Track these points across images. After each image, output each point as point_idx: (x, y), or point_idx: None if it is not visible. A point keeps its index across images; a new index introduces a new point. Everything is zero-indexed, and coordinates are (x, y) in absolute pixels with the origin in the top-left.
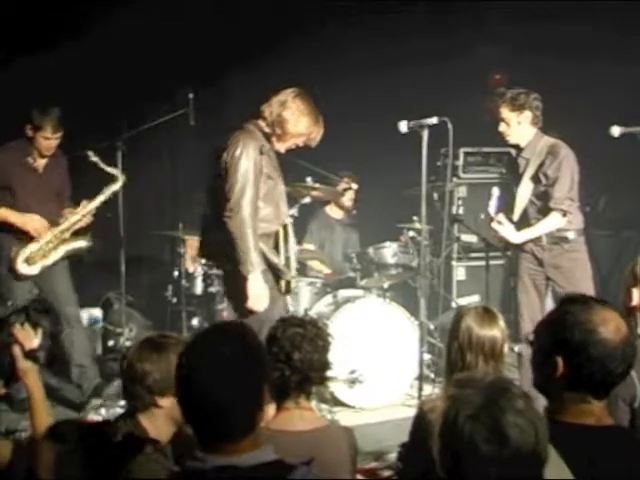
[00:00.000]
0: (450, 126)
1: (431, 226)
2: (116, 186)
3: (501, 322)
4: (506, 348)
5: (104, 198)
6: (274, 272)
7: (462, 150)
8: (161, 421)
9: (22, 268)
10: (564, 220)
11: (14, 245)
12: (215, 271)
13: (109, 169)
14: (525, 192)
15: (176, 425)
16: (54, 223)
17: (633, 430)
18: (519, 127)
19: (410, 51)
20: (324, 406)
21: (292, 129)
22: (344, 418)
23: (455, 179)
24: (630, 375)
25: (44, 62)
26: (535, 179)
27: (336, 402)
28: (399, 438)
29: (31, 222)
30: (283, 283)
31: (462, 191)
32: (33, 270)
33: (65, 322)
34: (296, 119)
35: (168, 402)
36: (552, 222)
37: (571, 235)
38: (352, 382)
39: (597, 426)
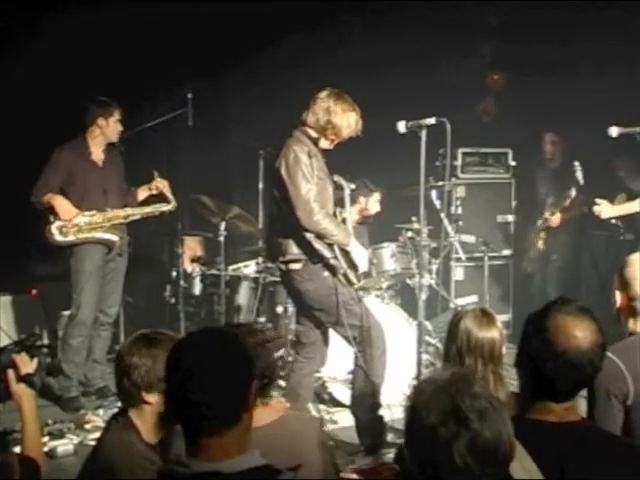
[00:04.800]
0: (448, 126)
1: (430, 226)
2: (166, 207)
3: (499, 323)
4: (504, 349)
5: (149, 211)
6: (329, 267)
7: (460, 150)
8: (151, 418)
9: (55, 233)
10: None
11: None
12: (214, 271)
13: (169, 195)
14: None
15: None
16: (101, 210)
17: (627, 427)
18: None
19: (409, 52)
20: (322, 406)
21: (345, 131)
22: (342, 418)
23: (454, 179)
24: (623, 372)
25: (42, 61)
26: None
27: (334, 402)
28: (397, 439)
29: (67, 212)
30: (341, 276)
31: (461, 191)
32: (65, 239)
33: (103, 320)
34: (346, 121)
35: (155, 398)
36: None
37: None
38: (350, 382)
39: (561, 422)
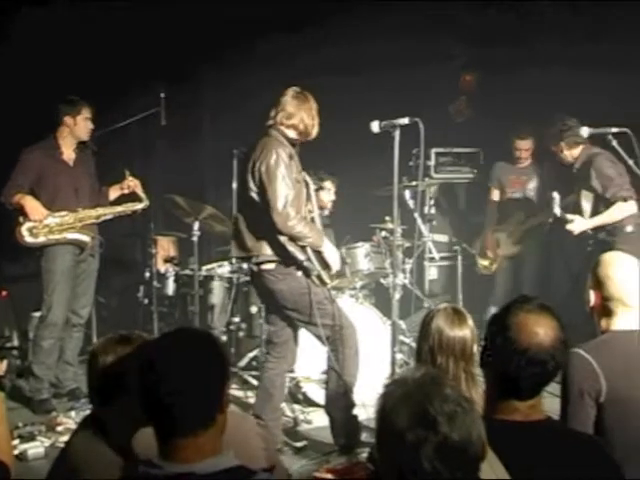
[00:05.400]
0: (421, 126)
1: (404, 226)
2: (139, 206)
3: (470, 322)
4: (475, 348)
5: (121, 211)
6: (303, 269)
7: (433, 150)
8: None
9: (25, 236)
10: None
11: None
12: (187, 272)
13: (141, 194)
14: None
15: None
16: (73, 210)
17: (599, 424)
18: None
19: (383, 52)
20: (297, 406)
21: (315, 133)
22: (317, 418)
23: (427, 179)
24: (595, 370)
25: (14, 61)
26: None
27: (309, 402)
28: (371, 438)
29: (37, 213)
30: (314, 278)
31: (434, 191)
32: (36, 240)
33: (75, 321)
34: (316, 123)
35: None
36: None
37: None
38: (324, 382)
39: (526, 421)
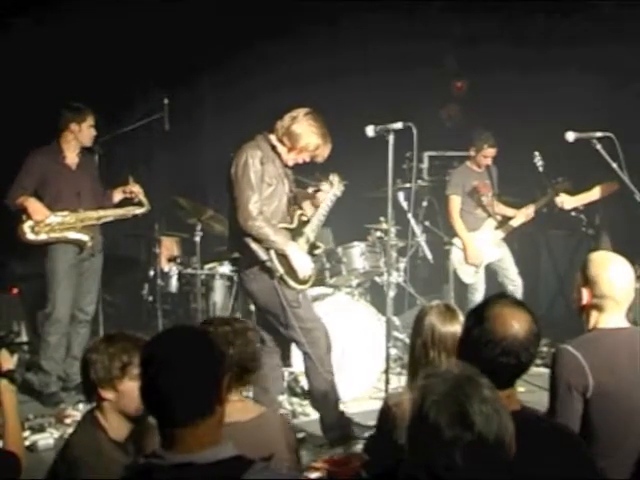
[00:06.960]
0: (415, 131)
1: (398, 226)
2: (139, 211)
3: (461, 318)
4: None
5: (122, 214)
6: (266, 269)
7: (426, 154)
8: (111, 416)
9: (27, 233)
10: None
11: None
12: (190, 270)
13: (143, 199)
14: None
15: (130, 421)
16: (74, 210)
17: (586, 418)
18: None
19: (377, 58)
20: (295, 399)
21: (301, 144)
22: (313, 411)
23: (420, 181)
24: (583, 366)
25: (21, 66)
26: None
27: (306, 395)
28: (364, 432)
29: (39, 214)
30: (278, 279)
31: (427, 193)
32: (37, 238)
33: (81, 317)
34: (306, 135)
35: (111, 395)
36: None
37: None
38: (305, 375)
39: None
